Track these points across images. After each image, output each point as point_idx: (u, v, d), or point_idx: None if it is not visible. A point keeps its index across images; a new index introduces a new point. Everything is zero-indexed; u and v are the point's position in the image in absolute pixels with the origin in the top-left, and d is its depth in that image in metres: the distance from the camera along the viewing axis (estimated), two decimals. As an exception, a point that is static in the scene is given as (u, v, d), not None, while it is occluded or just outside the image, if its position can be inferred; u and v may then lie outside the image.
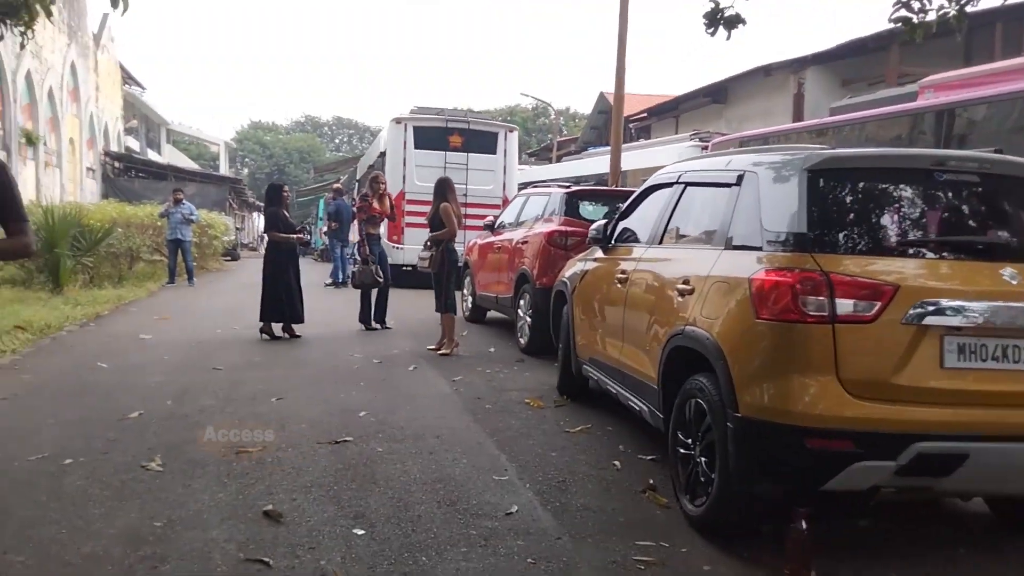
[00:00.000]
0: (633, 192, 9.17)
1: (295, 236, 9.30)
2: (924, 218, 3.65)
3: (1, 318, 9.29)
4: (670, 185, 4.86)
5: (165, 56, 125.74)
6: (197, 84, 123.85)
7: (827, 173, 3.58)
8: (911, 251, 3.50)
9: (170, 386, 6.50)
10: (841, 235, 3.50)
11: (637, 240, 5.23)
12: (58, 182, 24.68)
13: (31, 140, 22.04)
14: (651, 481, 4.37)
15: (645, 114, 24.90)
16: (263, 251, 9.78)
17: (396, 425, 5.41)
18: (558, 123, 40.57)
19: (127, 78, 35.24)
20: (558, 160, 28.23)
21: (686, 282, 4.07)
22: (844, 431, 3.22)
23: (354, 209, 19.03)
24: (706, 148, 14.50)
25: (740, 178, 4.01)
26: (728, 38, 7.06)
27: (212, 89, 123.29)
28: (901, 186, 3.64)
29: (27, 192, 21.81)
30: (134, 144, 37.01)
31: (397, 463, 4.62)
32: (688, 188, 4.65)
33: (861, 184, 3.63)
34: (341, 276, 16.54)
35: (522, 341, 8.51)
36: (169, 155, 45.10)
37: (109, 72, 31.02)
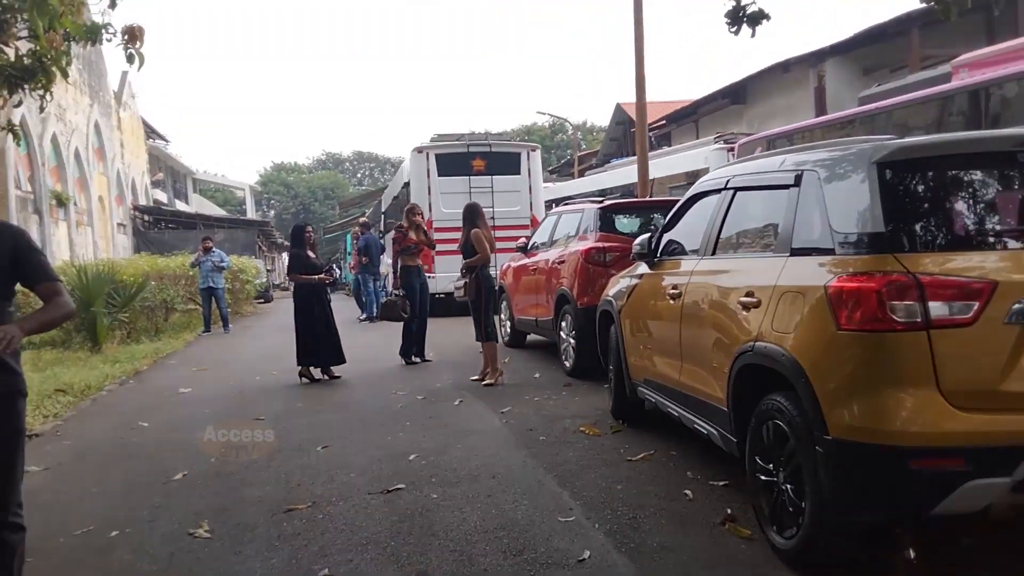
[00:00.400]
0: (675, 202, 8.87)
1: (317, 277, 9.00)
2: (1011, 205, 3.28)
3: (42, 382, 9.19)
4: (717, 191, 4.54)
5: (184, 107, 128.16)
6: (218, 131, 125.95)
7: (898, 165, 3.25)
8: (1001, 243, 3.14)
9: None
10: (921, 231, 3.16)
11: (686, 252, 4.91)
12: (91, 240, 24.96)
13: (61, 201, 22.30)
14: (729, 511, 4.01)
15: (663, 121, 24.57)
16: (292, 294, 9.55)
17: (449, 467, 5.11)
18: (576, 138, 40.29)
19: (150, 132, 35.76)
20: (580, 175, 27.94)
21: (749, 294, 3.73)
22: (951, 448, 2.87)
23: (382, 242, 18.92)
24: (732, 150, 14.12)
25: (798, 178, 3.69)
26: (753, 35, 6.74)
27: (233, 135, 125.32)
28: (981, 172, 3.29)
29: (61, 252, 22.03)
30: (162, 196, 37.50)
31: (455, 510, 4.32)
32: (738, 193, 4.33)
33: (936, 173, 3.29)
34: (375, 310, 16.35)
35: (567, 364, 8.19)
36: (197, 204, 45.73)
37: (132, 129, 31.46)
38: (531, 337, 10.54)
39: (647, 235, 5.39)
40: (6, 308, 3.11)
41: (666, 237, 5.20)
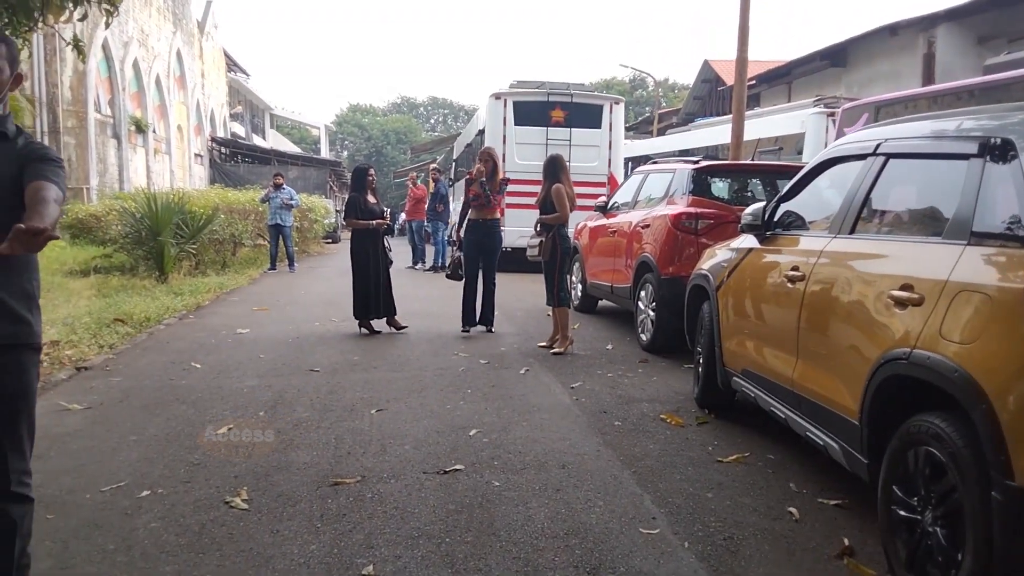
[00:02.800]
0: (780, 168, 7.93)
1: (375, 222, 8.31)
2: None
3: (102, 310, 8.94)
4: (861, 157, 3.73)
5: (266, 43, 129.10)
6: (298, 69, 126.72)
7: None
8: None
9: (264, 392, 5.93)
10: None
11: (808, 227, 4.27)
12: (168, 168, 25.03)
13: (140, 127, 22.28)
14: (846, 542, 3.31)
15: (754, 81, 23.09)
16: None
17: (513, 449, 4.51)
18: (658, 95, 38.71)
19: (231, 65, 35.76)
20: (660, 133, 26.62)
21: (907, 287, 2.96)
22: None
23: (451, 189, 18.30)
24: (833, 115, 12.95)
25: (985, 146, 2.87)
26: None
27: (312, 74, 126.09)
28: None
29: (138, 178, 22.08)
30: (239, 130, 37.64)
31: (519, 504, 3.71)
32: (892, 161, 3.52)
33: None
34: (441, 260, 15.85)
35: (643, 337, 7.57)
36: (273, 140, 45.90)
37: (214, 59, 31.38)
38: (602, 303, 9.78)
39: (760, 204, 4.70)
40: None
41: (783, 208, 4.50)
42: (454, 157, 24.58)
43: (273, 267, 15.20)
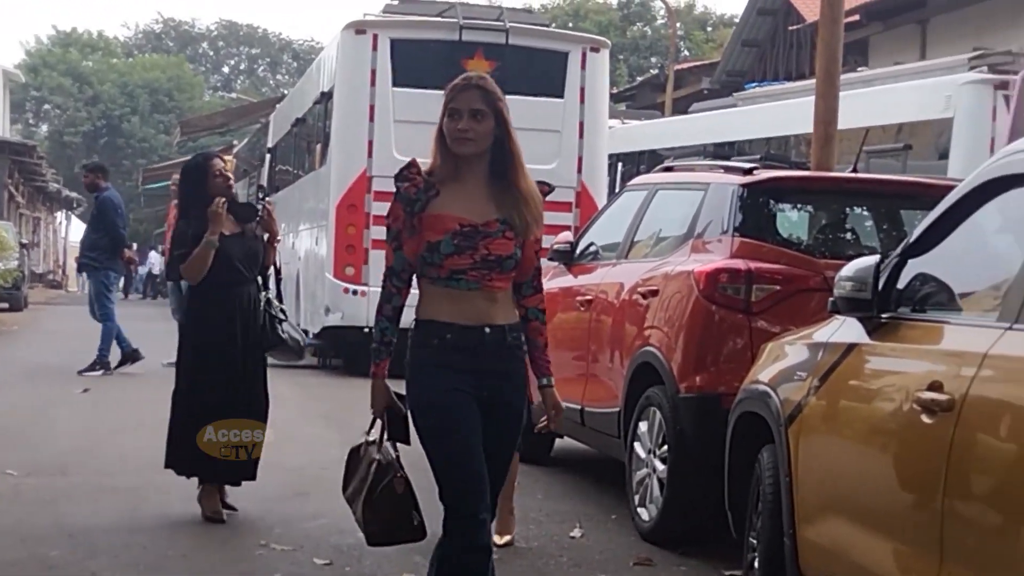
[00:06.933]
0: (938, 188, 6.00)
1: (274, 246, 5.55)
2: None
3: None
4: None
5: None
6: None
7: None
8: None
9: None
10: None
11: (964, 305, 3.06)
12: None
13: None
14: None
15: (857, 16, 17.58)
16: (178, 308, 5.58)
17: None
18: (674, 35, 28.25)
19: None
20: (678, 110, 20.78)
21: None
22: None
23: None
24: (1005, 87, 9.60)
25: None
26: None
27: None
28: None
29: None
30: None
31: None
32: None
33: None
34: (103, 354, 11.40)
35: (644, 514, 6.02)
36: None
37: None
38: (562, 442, 7.67)
39: (869, 259, 3.40)
40: None
41: (912, 268, 3.29)
42: (269, 145, 18.07)
43: None
